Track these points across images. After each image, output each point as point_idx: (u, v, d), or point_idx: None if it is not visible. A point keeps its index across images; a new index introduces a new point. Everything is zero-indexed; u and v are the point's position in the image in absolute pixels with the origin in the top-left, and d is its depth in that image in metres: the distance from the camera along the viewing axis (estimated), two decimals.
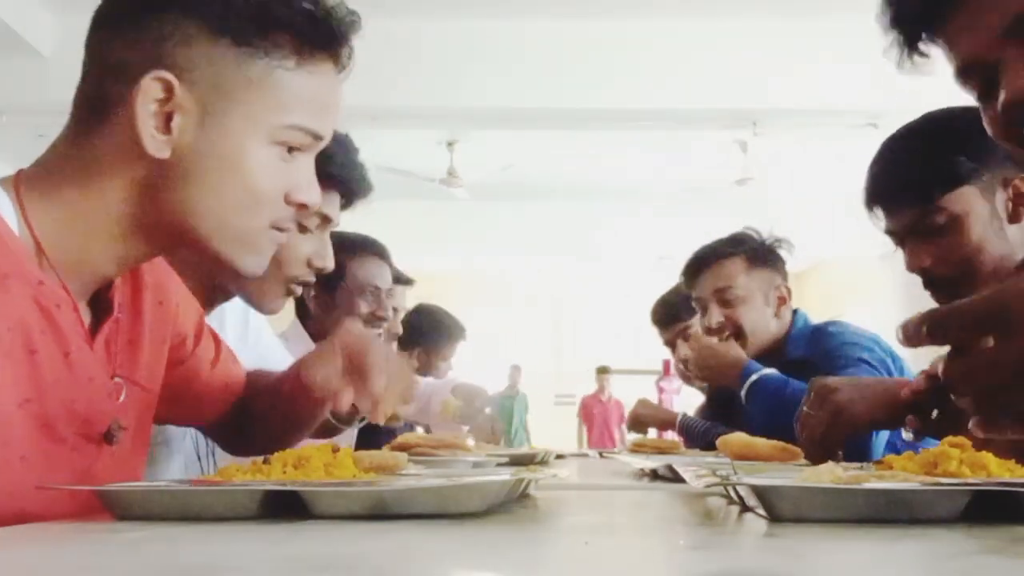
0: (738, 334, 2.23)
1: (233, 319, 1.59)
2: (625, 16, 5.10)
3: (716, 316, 2.26)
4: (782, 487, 0.70)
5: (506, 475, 0.88)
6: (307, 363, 1.16)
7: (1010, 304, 0.62)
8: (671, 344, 2.97)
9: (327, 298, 2.11)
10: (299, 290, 1.49)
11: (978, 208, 1.42)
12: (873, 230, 1.58)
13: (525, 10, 5.09)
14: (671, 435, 2.70)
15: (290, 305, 1.83)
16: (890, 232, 1.54)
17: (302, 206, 0.97)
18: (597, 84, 5.31)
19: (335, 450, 0.88)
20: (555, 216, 9.11)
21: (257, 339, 1.67)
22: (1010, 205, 1.43)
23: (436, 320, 3.58)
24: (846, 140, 5.60)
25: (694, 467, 1.02)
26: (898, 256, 1.55)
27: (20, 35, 4.59)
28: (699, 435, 2.52)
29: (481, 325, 6.08)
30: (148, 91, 0.87)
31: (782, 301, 2.28)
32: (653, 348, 3.65)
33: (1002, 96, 0.88)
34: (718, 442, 1.38)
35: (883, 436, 1.79)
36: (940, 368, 0.66)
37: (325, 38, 0.94)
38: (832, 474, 0.75)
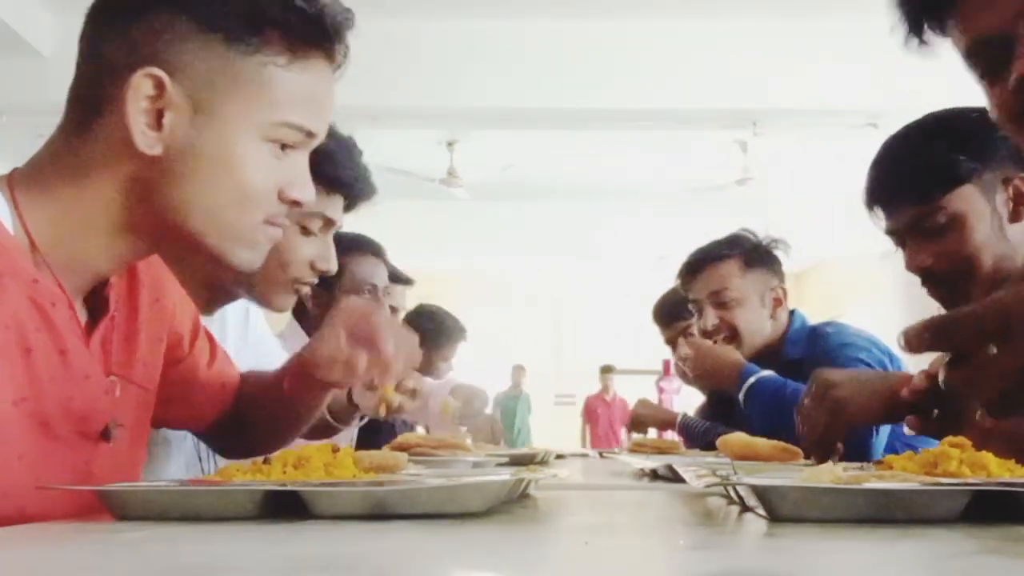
0: (733, 336, 2.23)
1: (234, 320, 1.59)
2: (625, 16, 5.09)
3: (711, 319, 2.26)
4: (782, 487, 0.70)
5: (506, 475, 0.88)
6: (310, 347, 1.16)
7: (1011, 311, 0.62)
8: (672, 343, 2.97)
9: (326, 297, 2.12)
10: (305, 289, 1.49)
11: (979, 207, 1.42)
12: (873, 230, 1.58)
13: (525, 10, 5.09)
14: (671, 435, 2.69)
15: None
16: (890, 232, 1.54)
17: (295, 203, 0.97)
18: (597, 84, 5.31)
19: (335, 450, 0.88)
20: (555, 216, 9.11)
21: (257, 339, 1.67)
22: (1010, 204, 1.43)
23: (437, 320, 3.58)
24: (846, 140, 5.60)
25: (694, 467, 1.02)
26: (898, 256, 1.55)
27: (20, 35, 4.59)
28: (699, 435, 2.52)
29: (481, 325, 6.08)
30: (139, 87, 0.87)
31: (778, 302, 2.28)
32: (653, 348, 3.65)
33: (1016, 68, 0.86)
34: (718, 442, 1.38)
35: (883, 437, 1.80)
36: (940, 372, 0.66)
37: (318, 35, 0.94)
38: (832, 474, 0.75)
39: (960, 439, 0.82)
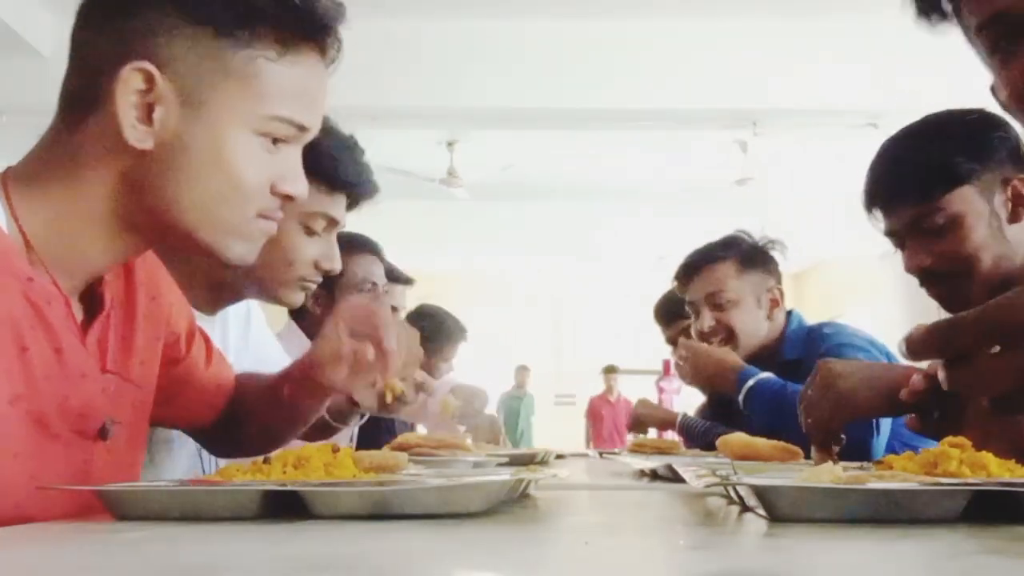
0: (730, 337, 2.23)
1: (236, 321, 1.59)
2: (625, 16, 5.09)
3: (708, 320, 2.26)
4: (782, 487, 0.70)
5: (506, 475, 0.88)
6: (312, 348, 1.16)
7: (1015, 315, 0.62)
8: (673, 342, 2.97)
9: (327, 297, 2.12)
10: (313, 286, 1.49)
11: (977, 208, 1.43)
12: (873, 230, 1.59)
13: (525, 10, 5.09)
14: (671, 435, 2.69)
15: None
16: (889, 233, 1.54)
17: (288, 197, 0.97)
18: (597, 84, 5.31)
19: (335, 450, 0.88)
20: (555, 216, 9.11)
21: (258, 341, 1.67)
22: (1009, 205, 1.43)
23: (437, 321, 3.57)
24: (846, 140, 5.60)
25: (694, 467, 1.02)
26: (898, 256, 1.55)
27: (20, 35, 4.60)
28: (699, 435, 2.52)
29: (481, 325, 6.07)
30: (129, 82, 0.87)
31: (775, 303, 2.28)
32: (653, 348, 3.65)
33: None
34: (718, 442, 1.38)
35: (884, 437, 1.79)
36: (940, 372, 0.66)
37: (308, 28, 0.94)
38: (832, 474, 0.75)
39: (960, 439, 0.82)
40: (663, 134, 6.24)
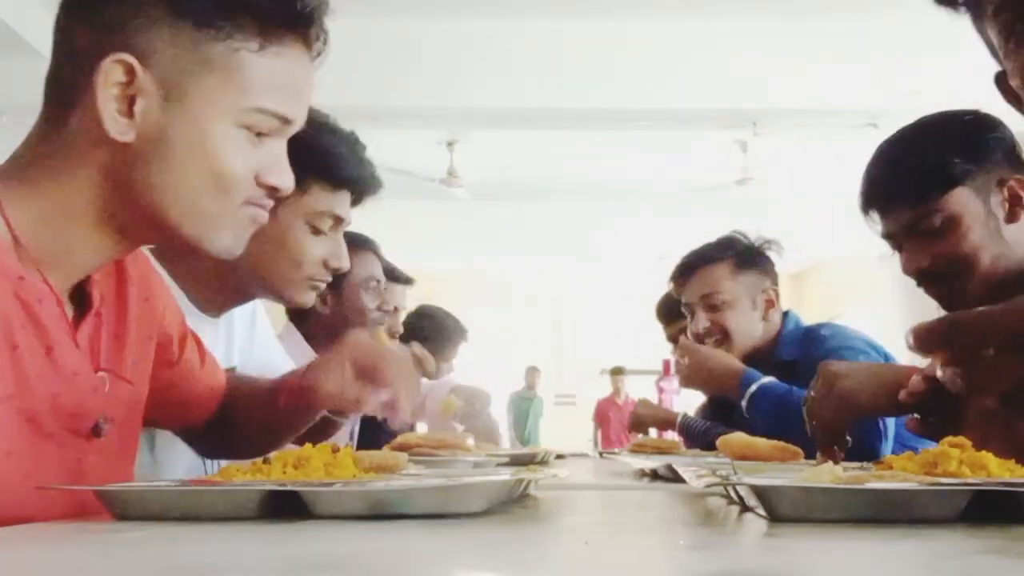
0: (724, 338, 2.23)
1: (241, 322, 1.59)
2: (625, 16, 5.09)
3: (703, 321, 2.27)
4: (782, 487, 0.70)
5: (506, 475, 0.88)
6: (315, 374, 1.17)
7: None
8: (674, 340, 2.98)
9: (334, 296, 2.12)
10: (322, 286, 1.49)
11: (974, 209, 1.43)
12: (872, 231, 1.59)
13: (525, 10, 5.09)
14: (671, 435, 2.70)
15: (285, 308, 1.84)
16: (887, 235, 1.55)
17: (273, 189, 0.96)
18: (597, 84, 5.31)
19: (335, 450, 0.88)
20: (555, 216, 9.11)
21: (263, 343, 1.67)
22: (1006, 205, 1.44)
23: (438, 322, 3.57)
24: (846, 140, 5.60)
25: (694, 467, 1.02)
26: (898, 256, 1.55)
27: (20, 35, 4.59)
28: (699, 435, 2.52)
29: (481, 325, 6.07)
30: (109, 74, 0.86)
31: (770, 304, 2.28)
32: (653, 348, 3.65)
33: None
34: (718, 442, 1.38)
35: (891, 441, 1.79)
36: (940, 371, 0.66)
37: (291, 20, 0.93)
38: (832, 474, 0.74)
39: (960, 439, 0.82)
40: (663, 134, 6.24)
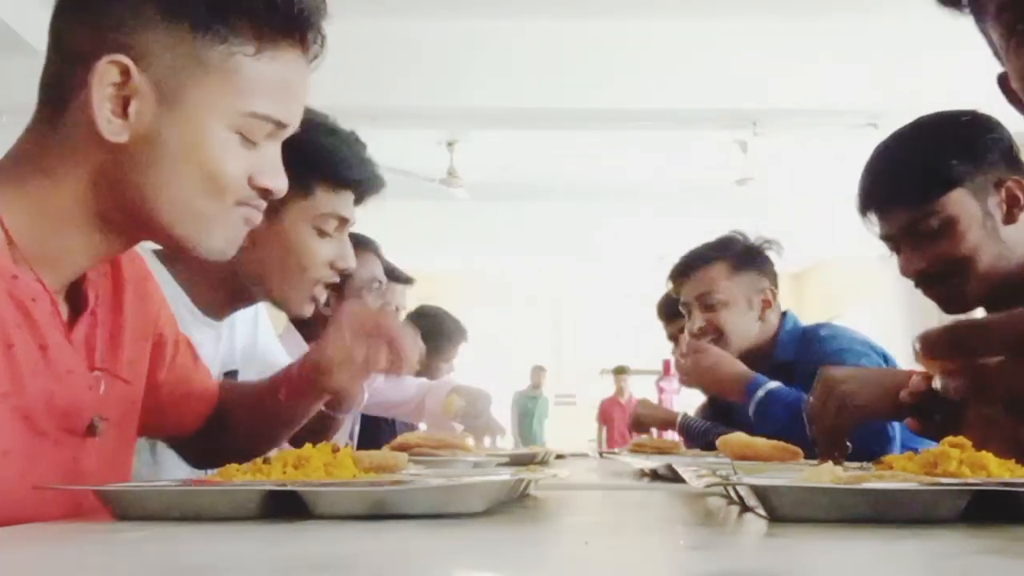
0: (719, 338, 2.22)
1: (243, 326, 1.59)
2: (625, 16, 5.09)
3: (698, 321, 2.27)
4: (782, 487, 0.70)
5: (506, 475, 0.88)
6: (316, 353, 1.17)
7: None
8: (675, 338, 2.98)
9: (337, 298, 2.12)
10: (323, 297, 1.49)
11: (971, 211, 1.43)
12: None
13: (525, 10, 5.09)
14: (672, 435, 2.70)
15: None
16: (885, 237, 1.54)
17: (266, 191, 0.97)
18: (597, 84, 5.31)
19: (335, 450, 0.88)
20: (555, 216, 9.11)
21: (266, 346, 1.67)
22: (1004, 207, 1.44)
23: (438, 322, 3.57)
24: (846, 140, 5.59)
25: (694, 467, 1.02)
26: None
27: (20, 35, 4.59)
28: (699, 435, 2.52)
29: (481, 325, 6.08)
30: (104, 75, 0.86)
31: (767, 304, 2.27)
32: (653, 348, 3.65)
33: None
34: (718, 442, 1.38)
35: (898, 443, 1.79)
36: (939, 383, 0.66)
37: (287, 24, 0.93)
38: (832, 474, 0.75)
39: (960, 439, 0.82)
40: (663, 134, 6.24)
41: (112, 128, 0.87)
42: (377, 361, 1.13)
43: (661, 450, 1.86)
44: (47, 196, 0.90)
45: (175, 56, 0.88)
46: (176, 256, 1.33)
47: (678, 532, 0.74)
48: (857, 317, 8.20)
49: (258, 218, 0.99)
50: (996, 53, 0.92)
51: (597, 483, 1.36)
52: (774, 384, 1.96)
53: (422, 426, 2.81)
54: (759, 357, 2.18)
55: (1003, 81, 0.94)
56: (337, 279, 1.49)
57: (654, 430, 2.77)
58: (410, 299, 3.21)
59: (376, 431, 2.85)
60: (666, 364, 3.24)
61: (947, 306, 1.49)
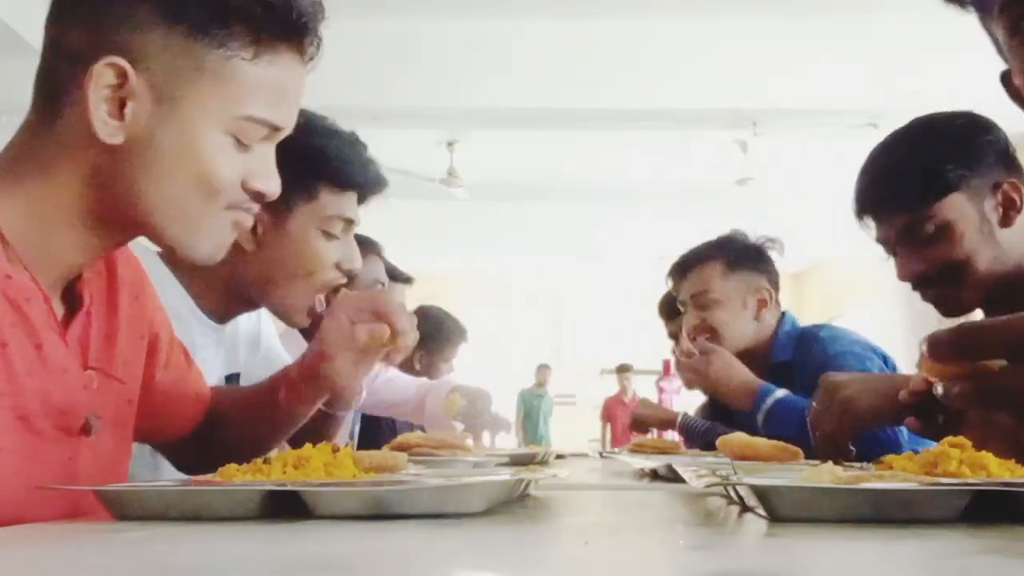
0: (713, 337, 2.21)
1: (246, 330, 1.59)
2: (625, 16, 5.10)
3: (692, 319, 2.26)
4: (782, 487, 0.70)
5: (506, 475, 0.88)
6: (316, 347, 1.17)
7: None
8: (675, 336, 2.98)
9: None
10: (322, 308, 1.48)
11: (968, 214, 1.43)
12: None
13: (525, 10, 5.09)
14: (672, 435, 2.70)
15: None
16: (881, 241, 1.54)
17: (259, 194, 0.97)
18: (597, 84, 5.31)
19: (335, 450, 0.88)
20: (555, 216, 9.11)
21: (268, 347, 1.67)
22: (1000, 210, 1.43)
23: (438, 322, 3.57)
24: (846, 140, 5.59)
25: (694, 467, 1.02)
26: None
27: (20, 35, 4.59)
28: (699, 435, 2.51)
29: (481, 325, 6.08)
30: (100, 76, 0.86)
31: (763, 304, 2.25)
32: (653, 348, 3.65)
33: None
34: (718, 442, 1.37)
35: (905, 448, 1.79)
36: (940, 390, 0.66)
37: (285, 28, 0.93)
38: (832, 474, 0.74)
39: (960, 439, 0.82)
40: (663, 134, 6.25)
41: (108, 129, 0.87)
42: (378, 338, 1.12)
43: (661, 450, 1.86)
44: (41, 195, 0.90)
45: (172, 59, 0.88)
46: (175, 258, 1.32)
47: (678, 532, 0.74)
48: (857, 317, 8.20)
49: (249, 222, 1.00)
50: (999, 50, 0.92)
51: (597, 483, 1.36)
52: (782, 392, 1.93)
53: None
54: (756, 358, 2.16)
55: (1006, 78, 0.93)
56: (344, 280, 1.49)
57: (654, 430, 2.77)
58: (410, 299, 3.21)
59: (376, 431, 2.85)
60: (666, 364, 3.24)
61: (945, 309, 1.49)
